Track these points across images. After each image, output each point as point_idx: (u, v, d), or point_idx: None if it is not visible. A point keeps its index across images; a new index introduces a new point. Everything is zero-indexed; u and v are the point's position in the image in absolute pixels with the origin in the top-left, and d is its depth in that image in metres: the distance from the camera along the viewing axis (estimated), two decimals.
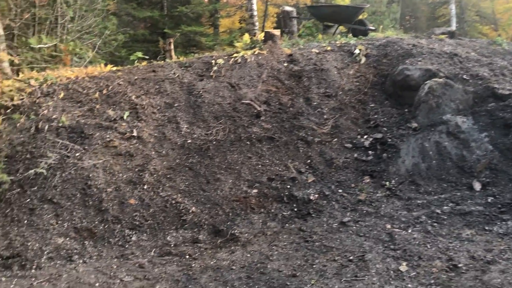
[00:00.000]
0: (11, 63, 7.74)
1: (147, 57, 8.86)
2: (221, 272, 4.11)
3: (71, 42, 9.14)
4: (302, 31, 11.03)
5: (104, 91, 6.74)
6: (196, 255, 4.58)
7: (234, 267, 4.19)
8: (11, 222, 5.02)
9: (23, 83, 7.17)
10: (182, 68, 7.42)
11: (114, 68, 7.71)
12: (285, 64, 7.46)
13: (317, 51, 7.86)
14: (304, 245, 4.53)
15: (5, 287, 4.16)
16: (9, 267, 4.55)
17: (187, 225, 5.07)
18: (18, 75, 7.51)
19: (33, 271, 4.48)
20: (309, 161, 5.94)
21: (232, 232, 4.93)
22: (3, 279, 4.36)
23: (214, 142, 6.04)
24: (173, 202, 5.29)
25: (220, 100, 6.63)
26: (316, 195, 5.43)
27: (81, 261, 4.63)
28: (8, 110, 6.50)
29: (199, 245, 4.80)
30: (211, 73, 7.13)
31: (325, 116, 6.60)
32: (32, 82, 7.15)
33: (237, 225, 5.04)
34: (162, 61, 8.02)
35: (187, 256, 4.57)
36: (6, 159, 5.70)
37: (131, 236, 4.96)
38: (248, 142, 6.08)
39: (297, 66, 7.42)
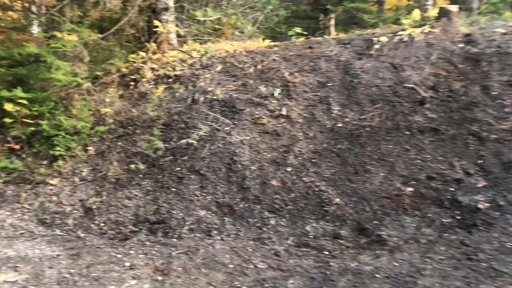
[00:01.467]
0: (178, 35, 8.11)
1: (305, 33, 8.55)
2: (362, 279, 3.63)
3: (233, 16, 9.25)
4: (484, 7, 9.50)
5: (259, 66, 6.62)
6: (336, 252, 4.15)
7: (377, 275, 3.67)
8: (161, 188, 5.22)
9: (186, 54, 7.46)
10: (340, 45, 6.90)
11: (272, 44, 7.56)
12: (461, 45, 6.40)
13: (502, 31, 6.59)
14: (466, 263, 3.77)
15: (147, 252, 4.31)
16: (154, 232, 4.73)
17: (328, 217, 4.66)
18: (182, 46, 7.85)
19: (174, 240, 4.58)
20: (480, 161, 4.99)
21: (379, 233, 4.37)
22: (147, 243, 4.53)
23: (368, 129, 5.46)
24: (316, 189, 4.91)
25: (379, 82, 5.98)
26: (487, 204, 4.53)
27: (219, 237, 4.58)
28: (170, 80, 6.81)
29: (340, 241, 4.37)
30: (372, 52, 6.47)
31: (506, 109, 5.48)
32: (194, 54, 7.39)
33: (385, 226, 4.46)
34: (320, 38, 7.60)
35: (326, 252, 4.17)
36: (163, 126, 5.96)
37: (269, 219, 4.75)
38: (407, 132, 5.36)
39: (475, 48, 6.31)
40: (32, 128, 5.95)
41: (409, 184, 4.84)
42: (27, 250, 4.37)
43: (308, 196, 4.89)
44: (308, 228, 4.60)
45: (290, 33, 8.58)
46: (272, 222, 4.72)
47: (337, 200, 4.78)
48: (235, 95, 6.17)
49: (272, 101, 6.00)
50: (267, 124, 5.72)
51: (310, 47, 6.97)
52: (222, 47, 7.55)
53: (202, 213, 4.86)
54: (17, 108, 5.79)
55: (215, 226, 4.73)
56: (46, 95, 6.21)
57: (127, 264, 4.06)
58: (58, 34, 6.52)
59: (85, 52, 6.79)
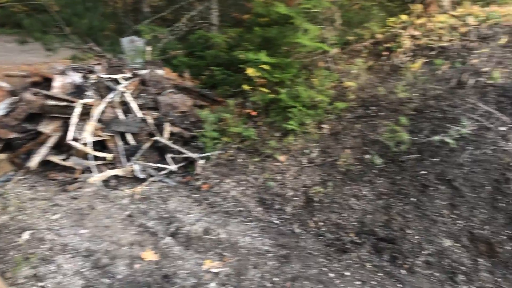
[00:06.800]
0: None
1: None
2: None
3: None
4: None
5: None
6: None
7: None
8: (397, 194, 4.15)
9: (459, 20, 5.89)
10: None
11: None
12: None
13: None
14: None
15: (366, 279, 3.40)
16: (379, 252, 3.75)
17: None
18: (455, 9, 6.26)
19: (403, 271, 3.52)
20: None
21: None
22: (368, 266, 3.61)
23: None
24: None
25: None
26: None
27: (465, 287, 3.31)
28: (432, 52, 5.48)
29: None
30: None
31: None
32: (470, 20, 5.77)
33: None
34: None
35: None
36: (413, 113, 4.79)
37: None
38: None
39: None
40: (271, 96, 5.59)
41: None
42: (238, 235, 4.02)
43: None
44: None
45: None
46: None
47: None
48: None
49: None
50: None
51: None
52: None
53: (447, 243, 3.61)
54: (258, 73, 5.47)
55: (463, 267, 3.45)
56: (289, 61, 5.73)
57: None
58: None
59: (337, 14, 5.99)
